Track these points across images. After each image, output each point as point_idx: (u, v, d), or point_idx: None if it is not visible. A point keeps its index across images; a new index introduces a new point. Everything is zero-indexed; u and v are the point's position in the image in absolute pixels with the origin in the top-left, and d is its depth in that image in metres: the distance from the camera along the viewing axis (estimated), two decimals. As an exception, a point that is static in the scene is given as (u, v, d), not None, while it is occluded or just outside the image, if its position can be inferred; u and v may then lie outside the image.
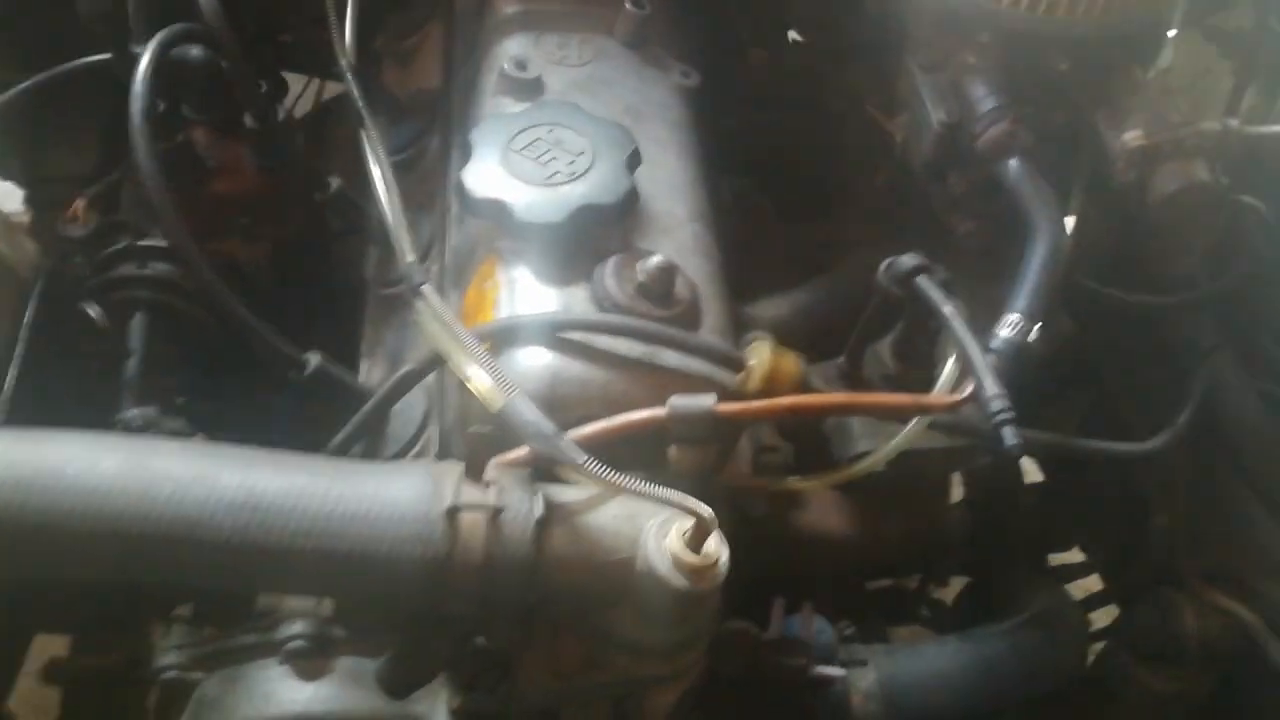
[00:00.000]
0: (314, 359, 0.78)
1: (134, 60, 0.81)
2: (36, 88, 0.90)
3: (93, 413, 0.94)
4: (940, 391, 0.74)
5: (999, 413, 0.70)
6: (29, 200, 1.00)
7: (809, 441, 0.90)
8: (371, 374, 0.95)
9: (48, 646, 1.00)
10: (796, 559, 0.97)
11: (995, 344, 0.75)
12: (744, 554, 0.65)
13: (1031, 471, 1.20)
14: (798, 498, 0.96)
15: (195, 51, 0.85)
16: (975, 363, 0.72)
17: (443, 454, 0.79)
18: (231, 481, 0.59)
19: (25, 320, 0.85)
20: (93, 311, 0.83)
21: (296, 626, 0.80)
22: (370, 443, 0.82)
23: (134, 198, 0.98)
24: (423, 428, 0.83)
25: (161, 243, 0.89)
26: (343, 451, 0.78)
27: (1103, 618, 1.14)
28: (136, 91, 0.75)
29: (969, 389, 0.72)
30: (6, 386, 0.82)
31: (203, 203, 0.89)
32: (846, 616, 1.04)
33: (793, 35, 1.11)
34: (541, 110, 0.80)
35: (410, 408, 0.83)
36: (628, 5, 0.90)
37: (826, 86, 1.10)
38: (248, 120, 0.90)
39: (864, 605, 1.13)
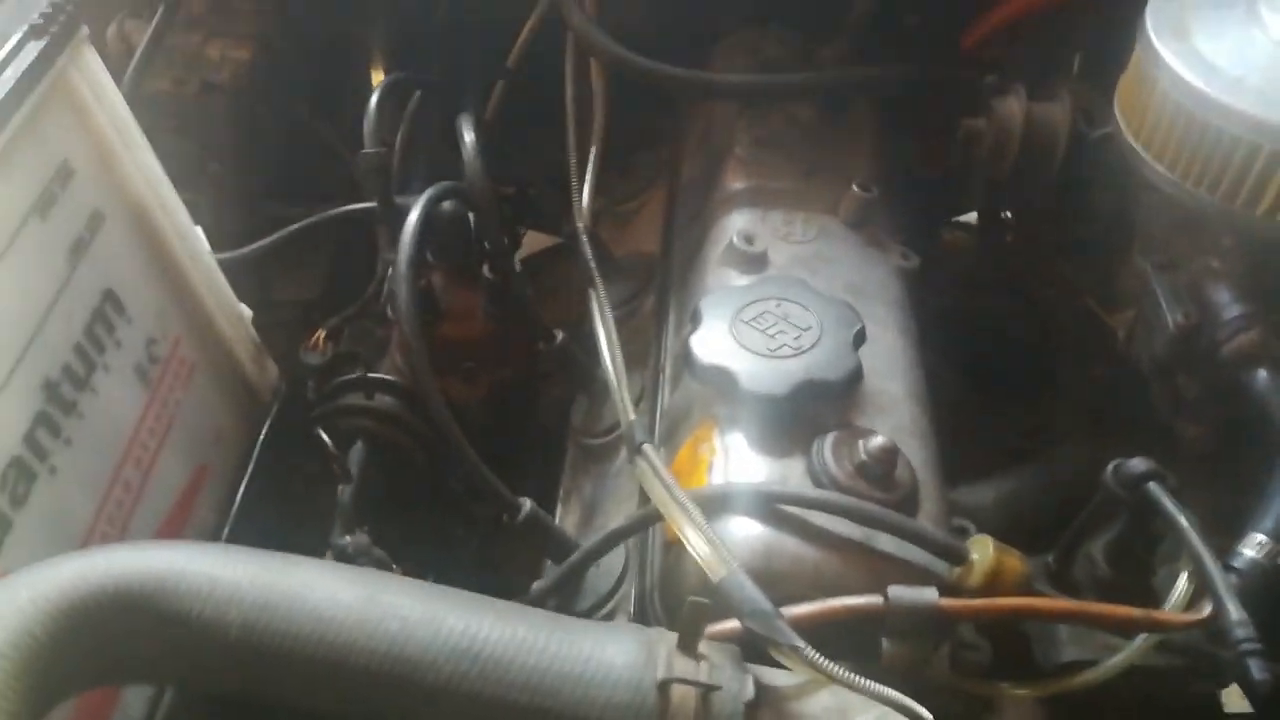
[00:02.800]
0: (527, 504, 0.80)
1: (394, 209, 0.87)
2: (308, 228, 0.99)
3: (299, 531, 0.98)
4: (1174, 609, 0.70)
5: (1244, 642, 0.65)
6: (254, 321, 1.08)
7: (1010, 642, 0.85)
8: (566, 520, 0.96)
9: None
10: (985, 768, 0.90)
11: (1238, 564, 0.70)
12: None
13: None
14: (993, 701, 0.90)
15: (447, 204, 0.91)
16: (1217, 584, 0.67)
17: (638, 611, 0.79)
18: (456, 626, 0.59)
19: (260, 438, 0.91)
20: (326, 437, 0.87)
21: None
22: (566, 592, 0.83)
23: (360, 330, 1.05)
24: (619, 582, 0.83)
25: (390, 377, 0.94)
26: (544, 599, 0.78)
27: None
28: (405, 242, 0.81)
29: (1207, 610, 0.68)
30: (236, 501, 0.87)
31: (431, 343, 0.94)
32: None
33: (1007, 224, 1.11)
34: (770, 284, 0.81)
35: (609, 561, 0.83)
36: (854, 188, 0.92)
37: (1037, 275, 1.09)
38: (485, 270, 0.96)
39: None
